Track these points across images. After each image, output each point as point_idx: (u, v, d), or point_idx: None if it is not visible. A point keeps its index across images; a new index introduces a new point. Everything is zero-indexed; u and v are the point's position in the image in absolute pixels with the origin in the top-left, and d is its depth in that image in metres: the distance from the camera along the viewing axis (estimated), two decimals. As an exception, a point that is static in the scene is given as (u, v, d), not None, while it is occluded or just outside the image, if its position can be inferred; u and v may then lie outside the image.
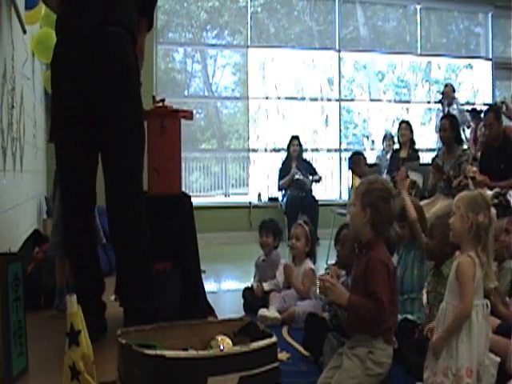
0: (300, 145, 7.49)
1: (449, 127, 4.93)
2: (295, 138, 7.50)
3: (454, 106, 7.64)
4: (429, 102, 9.01)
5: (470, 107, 8.13)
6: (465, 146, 6.52)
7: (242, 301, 3.74)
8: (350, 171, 6.06)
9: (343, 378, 1.98)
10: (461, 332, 1.94)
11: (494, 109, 4.95)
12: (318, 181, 7.42)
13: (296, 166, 7.34)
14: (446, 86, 7.84)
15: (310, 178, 7.40)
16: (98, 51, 2.59)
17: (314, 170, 7.52)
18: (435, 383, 1.97)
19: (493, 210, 2.07)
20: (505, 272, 2.73)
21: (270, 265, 3.81)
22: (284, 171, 7.42)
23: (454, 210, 2.04)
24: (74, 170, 2.71)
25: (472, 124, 7.28)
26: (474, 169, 4.45)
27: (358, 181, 5.27)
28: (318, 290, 2.74)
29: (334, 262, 3.32)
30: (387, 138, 7.66)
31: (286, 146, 7.68)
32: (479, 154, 5.18)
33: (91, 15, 2.61)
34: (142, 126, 2.74)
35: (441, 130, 5.06)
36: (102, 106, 2.61)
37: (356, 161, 5.82)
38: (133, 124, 2.66)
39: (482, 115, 5.67)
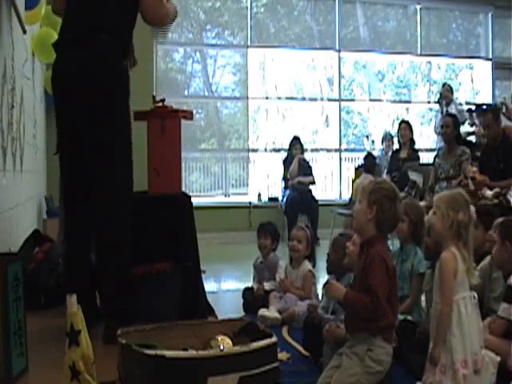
0: (301, 146, 7.48)
1: (451, 124, 4.96)
2: (297, 139, 7.48)
3: (452, 106, 7.65)
4: (429, 102, 9.01)
5: (469, 106, 8.13)
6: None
7: (242, 301, 3.74)
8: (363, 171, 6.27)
9: (343, 377, 1.99)
10: (452, 326, 1.97)
11: (492, 109, 4.97)
12: (311, 183, 7.41)
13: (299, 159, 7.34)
14: (444, 85, 7.84)
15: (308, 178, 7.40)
16: (85, 58, 2.65)
17: (310, 170, 7.51)
18: (434, 383, 1.98)
19: (472, 208, 2.10)
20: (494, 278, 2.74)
21: (267, 267, 3.82)
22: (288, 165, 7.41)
23: (434, 210, 2.09)
24: (76, 176, 2.77)
25: (476, 121, 7.25)
26: (474, 169, 4.46)
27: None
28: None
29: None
30: (387, 138, 7.65)
31: (285, 146, 7.68)
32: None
33: (81, 23, 2.70)
34: (126, 133, 2.75)
35: (443, 126, 5.08)
36: (85, 113, 2.66)
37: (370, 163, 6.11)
38: (115, 132, 2.70)
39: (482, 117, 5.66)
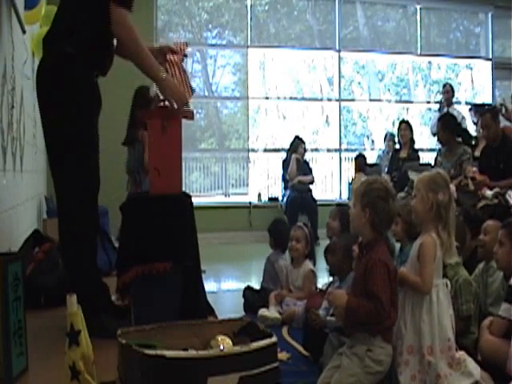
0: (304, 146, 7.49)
1: (441, 129, 5.00)
2: (300, 139, 7.47)
3: (455, 107, 7.64)
4: (429, 102, 9.01)
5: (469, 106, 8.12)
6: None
7: (242, 301, 3.74)
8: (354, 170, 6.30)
9: (343, 377, 1.99)
10: (422, 312, 2.04)
11: (491, 110, 4.97)
12: (310, 183, 7.41)
13: (297, 159, 7.34)
14: (445, 86, 7.84)
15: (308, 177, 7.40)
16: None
17: (310, 170, 7.51)
18: (402, 363, 2.01)
19: (452, 187, 2.15)
20: (493, 272, 2.74)
21: (267, 264, 3.85)
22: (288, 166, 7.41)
23: (415, 193, 2.15)
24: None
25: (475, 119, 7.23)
26: (474, 169, 4.47)
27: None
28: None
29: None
30: (391, 138, 7.61)
31: (285, 146, 7.67)
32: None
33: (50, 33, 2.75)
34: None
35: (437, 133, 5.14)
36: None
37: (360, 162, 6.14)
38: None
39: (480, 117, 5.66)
